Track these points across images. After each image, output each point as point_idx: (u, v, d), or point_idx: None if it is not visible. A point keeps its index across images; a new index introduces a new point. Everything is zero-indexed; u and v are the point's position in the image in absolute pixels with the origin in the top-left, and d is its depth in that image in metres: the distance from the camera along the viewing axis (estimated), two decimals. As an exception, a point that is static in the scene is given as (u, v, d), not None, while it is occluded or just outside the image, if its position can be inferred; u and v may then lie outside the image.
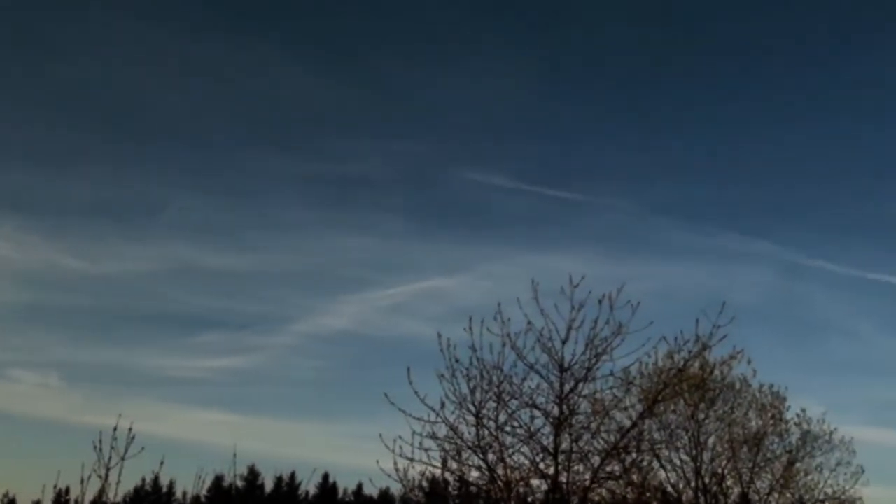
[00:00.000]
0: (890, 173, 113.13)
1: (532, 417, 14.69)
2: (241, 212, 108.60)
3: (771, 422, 29.75)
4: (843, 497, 31.16)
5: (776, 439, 30.17)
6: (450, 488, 17.74)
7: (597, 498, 17.01)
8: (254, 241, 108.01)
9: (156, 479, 64.77)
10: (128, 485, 55.54)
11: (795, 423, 30.30)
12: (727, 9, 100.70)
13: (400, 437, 14.23)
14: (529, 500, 15.61)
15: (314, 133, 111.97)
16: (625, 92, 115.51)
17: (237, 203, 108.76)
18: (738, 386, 28.93)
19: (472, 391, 14.32)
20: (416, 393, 14.22)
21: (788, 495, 30.72)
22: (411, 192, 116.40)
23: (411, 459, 14.38)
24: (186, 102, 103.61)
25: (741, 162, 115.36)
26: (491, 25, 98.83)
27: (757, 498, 30.20)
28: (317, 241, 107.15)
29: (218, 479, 59.94)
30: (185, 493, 73.22)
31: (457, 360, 14.38)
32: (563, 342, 14.50)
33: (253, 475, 74.06)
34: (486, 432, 14.42)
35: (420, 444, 14.37)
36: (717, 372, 26.79)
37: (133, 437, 9.57)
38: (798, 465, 30.35)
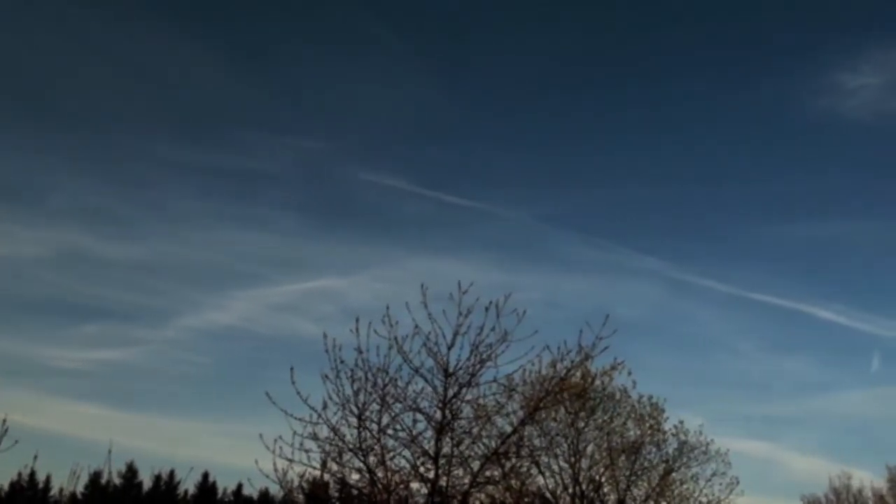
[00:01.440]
0: (773, 200, 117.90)
1: (415, 421, 14.77)
2: (134, 200, 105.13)
3: (649, 432, 30.51)
4: (717, 506, 32.26)
5: (654, 449, 30.98)
6: (330, 490, 17.65)
7: (476, 502, 17.18)
8: (145, 230, 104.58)
9: (32, 475, 62.24)
10: (2, 479, 53.44)
11: (673, 434, 31.16)
12: (625, 18, 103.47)
13: (280, 438, 14.12)
14: (410, 503, 15.67)
15: (214, 125, 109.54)
16: (524, 100, 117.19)
17: (131, 191, 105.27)
18: (618, 396, 29.59)
19: (356, 393, 14.30)
20: (298, 393, 14.15)
21: (664, 503, 31.61)
22: (308, 190, 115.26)
23: (290, 460, 14.26)
24: (85, 87, 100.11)
25: (634, 177, 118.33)
26: (396, 29, 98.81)
27: (633, 505, 30.97)
28: (209, 235, 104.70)
29: (96, 476, 58.07)
30: (61, 490, 70.69)
31: (342, 362, 14.34)
32: (450, 347, 14.61)
33: (131, 472, 71.94)
34: (368, 434, 14.41)
35: (301, 445, 14.29)
36: (598, 382, 27.36)
37: (6, 430, 9.25)
38: (674, 474, 31.19)
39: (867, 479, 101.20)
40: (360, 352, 14.30)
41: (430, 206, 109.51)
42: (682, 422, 31.36)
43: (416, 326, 14.43)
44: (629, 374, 28.19)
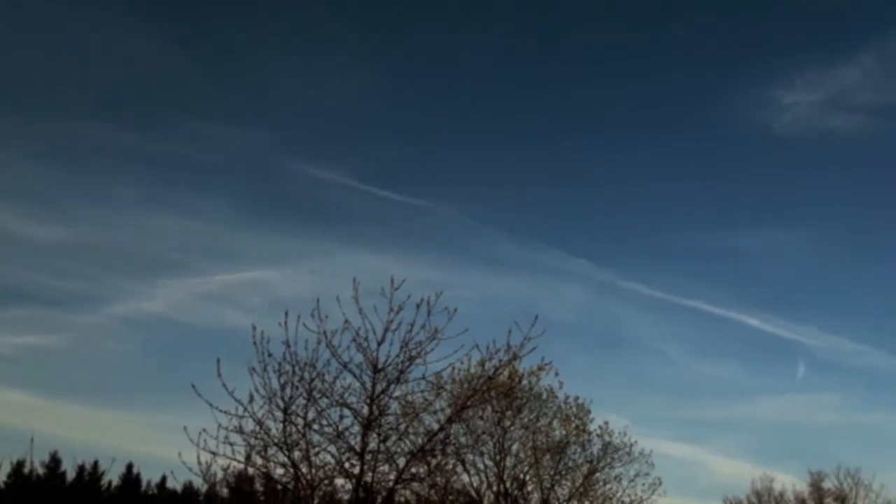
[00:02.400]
0: (706, 208, 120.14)
1: (341, 416, 14.67)
2: (64, 182, 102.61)
3: (574, 432, 30.90)
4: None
5: (578, 449, 31.41)
6: (256, 485, 17.50)
7: (401, 499, 17.19)
8: (74, 213, 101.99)
9: (-48, 465, 60.16)
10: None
11: (598, 435, 31.61)
12: (566, 19, 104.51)
13: (205, 431, 13.93)
14: (335, 499, 15.62)
15: (151, 110, 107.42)
16: (465, 100, 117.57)
17: (61, 173, 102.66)
18: (544, 396, 29.95)
19: (283, 387, 14.15)
20: (224, 386, 13.94)
21: (587, 502, 32.03)
22: (244, 179, 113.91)
23: (215, 454, 14.07)
24: (19, 67, 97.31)
25: (569, 180, 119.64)
26: (345, 24, 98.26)
27: (557, 503, 31.31)
28: (140, 220, 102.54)
29: (19, 465, 56.52)
30: (-18, 480, 68.93)
31: (269, 355, 14.17)
32: (379, 343, 14.56)
33: (55, 462, 70.28)
34: (294, 429, 14.29)
35: (226, 438, 14.09)
36: (525, 381, 27.63)
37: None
38: (598, 474, 31.64)
39: (790, 482, 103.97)
40: (288, 345, 14.16)
41: (366, 201, 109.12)
42: (607, 423, 31.83)
43: (347, 321, 14.36)
44: (556, 374, 28.55)
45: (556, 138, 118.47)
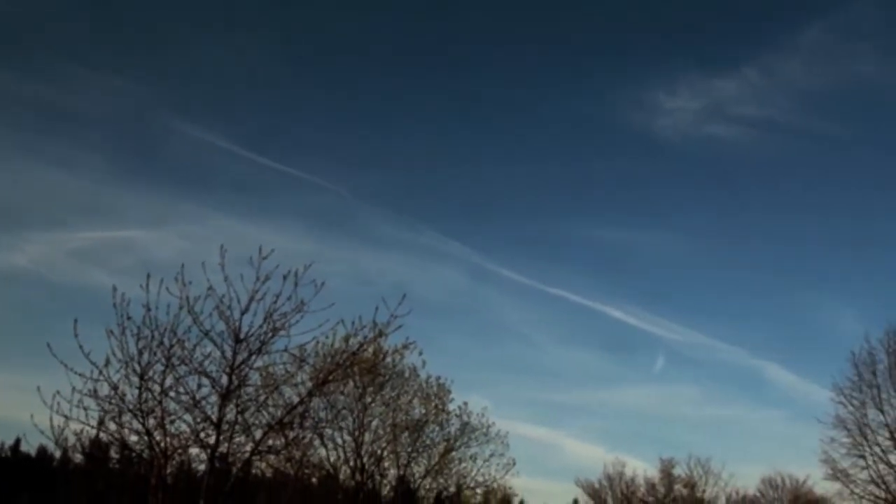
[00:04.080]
0: (579, 203, 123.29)
1: (199, 385, 14.35)
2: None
3: (434, 411, 31.35)
4: (493, 485, 33.62)
5: (437, 428, 31.94)
6: (111, 452, 16.97)
7: (257, 471, 17.02)
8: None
9: None
10: None
11: (457, 415, 32.22)
12: (456, 4, 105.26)
13: (59, 393, 13.41)
14: (190, 469, 15.33)
15: (33, 50, 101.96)
16: (355, 81, 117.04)
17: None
18: (407, 374, 30.24)
19: (141, 351, 13.71)
20: (80, 347, 13.42)
21: (442, 480, 32.61)
22: (124, 134, 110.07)
23: (67, 417, 13.57)
24: None
25: (452, 165, 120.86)
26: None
27: (412, 481, 31.70)
28: (8, 169, 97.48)
29: None
30: None
31: (129, 318, 13.73)
32: (243, 312, 14.30)
33: None
34: (150, 396, 13.89)
35: (80, 402, 13.62)
36: (389, 359, 27.70)
37: None
38: (454, 453, 32.27)
39: (641, 467, 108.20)
40: (149, 309, 13.75)
41: (246, 167, 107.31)
42: (466, 403, 32.45)
43: (210, 288, 14.04)
44: (420, 353, 28.81)
45: (440, 123, 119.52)
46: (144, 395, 13.87)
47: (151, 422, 14.07)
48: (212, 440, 14.42)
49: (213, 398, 14.45)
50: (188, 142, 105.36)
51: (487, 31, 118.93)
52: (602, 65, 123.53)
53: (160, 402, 14.04)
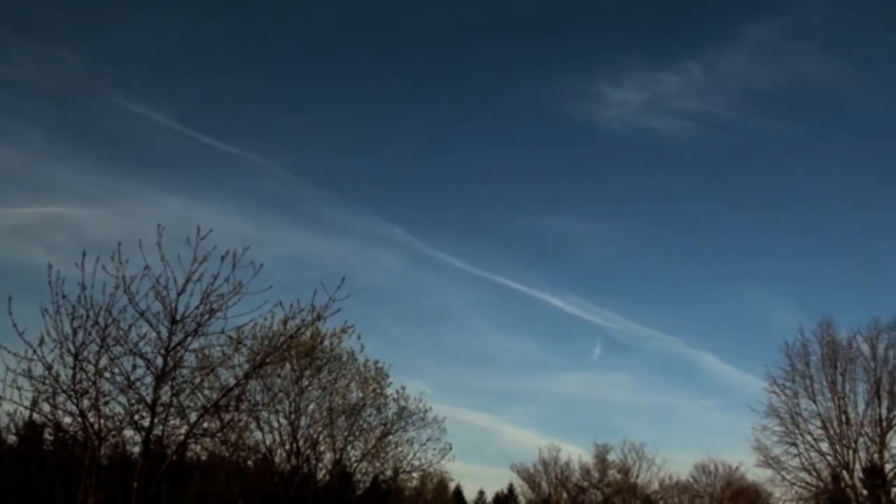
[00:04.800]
0: (522, 191, 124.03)
1: (134, 366, 14.18)
2: None
3: (371, 395, 31.47)
4: (429, 469, 33.84)
5: (374, 412, 32.09)
6: (45, 434, 16.73)
7: (192, 454, 16.92)
8: None
9: None
10: None
11: (394, 399, 32.36)
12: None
13: (-10, 373, 13.18)
14: (125, 451, 15.18)
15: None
16: (299, 58, 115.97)
17: None
18: (345, 358, 30.32)
19: (76, 331, 13.53)
20: (15, 326, 13.18)
21: (378, 464, 32.74)
22: (63, 106, 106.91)
23: (0, 398, 13.37)
24: None
25: (395, 151, 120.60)
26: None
27: (348, 465, 31.76)
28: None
29: None
30: None
31: (64, 296, 13.53)
32: (180, 293, 14.14)
33: None
34: (84, 376, 13.72)
35: (13, 381, 13.45)
36: (327, 342, 27.77)
37: None
38: (391, 437, 32.40)
39: (576, 453, 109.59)
40: (84, 288, 13.56)
41: (186, 145, 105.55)
42: (404, 388, 32.59)
43: (147, 268, 13.86)
44: (359, 338, 28.87)
45: (384, 108, 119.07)
46: (79, 376, 13.71)
47: (86, 403, 13.92)
48: (146, 422, 14.29)
49: (148, 380, 14.31)
50: (128, 117, 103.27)
51: (434, 18, 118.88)
52: (548, 55, 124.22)
53: (94, 383, 13.88)
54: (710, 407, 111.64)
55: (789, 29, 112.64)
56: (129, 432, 15.08)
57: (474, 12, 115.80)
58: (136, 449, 15.12)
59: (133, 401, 14.32)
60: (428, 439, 32.91)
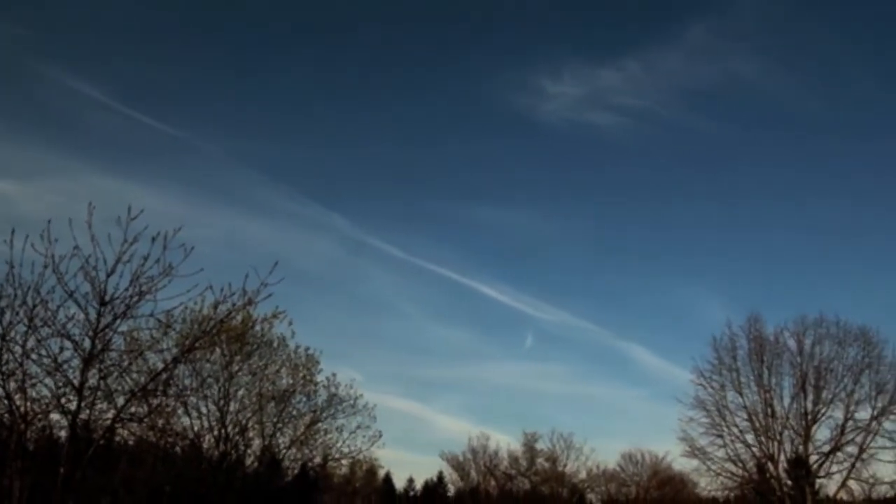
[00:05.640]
0: (460, 182, 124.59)
1: (62, 348, 13.94)
2: None
3: (301, 382, 31.45)
4: (359, 457, 33.95)
5: (304, 398, 32.09)
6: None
7: (120, 439, 16.78)
8: None
9: None
10: None
11: (324, 386, 32.36)
12: None
13: (-89, 354, 12.93)
14: (52, 435, 15.00)
15: None
16: (241, 43, 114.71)
17: None
18: (275, 344, 30.24)
19: (2, 311, 13.37)
20: (-62, 306, 12.95)
21: (307, 451, 32.75)
22: None
23: (-80, 380, 13.12)
24: None
25: (333, 137, 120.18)
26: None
27: (277, 451, 31.72)
28: None
29: None
30: None
31: (-9, 275, 13.31)
32: (109, 274, 13.90)
33: None
34: (11, 357, 13.55)
35: (-63, 364, 13.18)
36: (258, 328, 27.68)
37: None
38: (320, 424, 32.42)
39: (505, 441, 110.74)
40: (12, 266, 13.35)
41: (124, 124, 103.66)
42: (334, 374, 32.65)
43: (76, 247, 13.63)
44: (290, 323, 28.86)
45: (325, 95, 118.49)
46: (5, 357, 13.55)
47: (12, 385, 13.74)
48: (73, 406, 14.11)
49: (76, 362, 14.10)
50: (62, 91, 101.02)
51: (375, 8, 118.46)
52: (489, 48, 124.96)
53: (21, 365, 13.69)
54: (638, 397, 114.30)
55: (725, 29, 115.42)
56: (55, 416, 14.88)
57: (417, 2, 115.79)
58: (63, 433, 14.91)
59: (60, 384, 14.13)
60: (358, 427, 33.04)
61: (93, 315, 14.04)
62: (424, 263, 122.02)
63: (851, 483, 45.47)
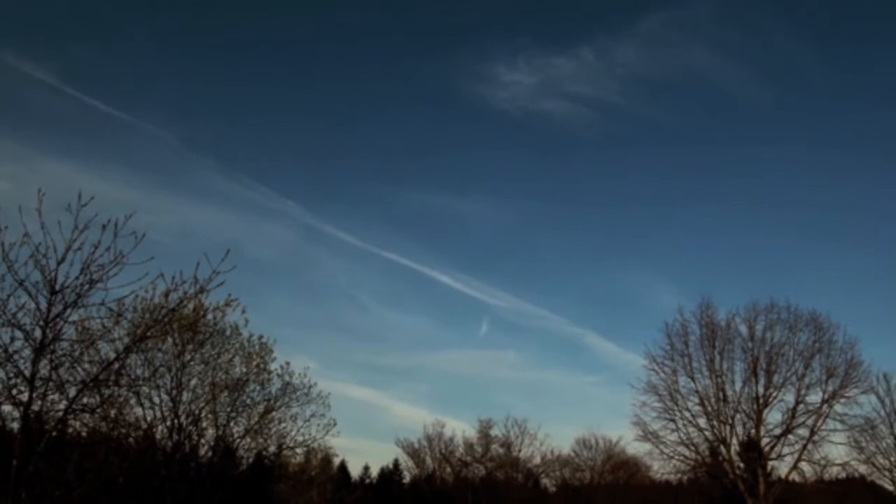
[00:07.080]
0: (413, 169, 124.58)
1: (13, 339, 13.83)
2: None
3: (255, 370, 31.30)
4: (314, 445, 33.92)
5: (258, 387, 31.92)
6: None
7: (72, 430, 16.63)
8: None
9: None
10: None
11: (278, 375, 32.24)
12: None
13: None
14: (4, 428, 14.82)
15: None
16: (194, 26, 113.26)
17: None
18: (228, 332, 30.06)
19: (-49, 302, 13.15)
20: None
21: (262, 440, 32.62)
22: None
23: None
24: None
25: (285, 120, 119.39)
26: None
27: (231, 441, 31.56)
28: None
29: None
30: None
31: (-62, 262, 13.09)
32: (59, 262, 13.79)
33: None
34: (-40, 349, 13.35)
35: None
36: (210, 316, 27.49)
37: None
38: (274, 413, 32.30)
39: (460, 428, 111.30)
40: (-40, 255, 13.15)
41: (71, 106, 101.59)
42: (288, 363, 32.53)
43: (26, 234, 13.48)
44: (243, 311, 28.69)
45: (280, 80, 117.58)
46: (-45, 349, 13.33)
47: (-37, 377, 13.55)
48: (25, 397, 13.99)
49: (27, 352, 14.00)
50: (9, 73, 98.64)
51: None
52: (444, 35, 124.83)
53: (-29, 356, 13.51)
54: (592, 383, 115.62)
55: (679, 21, 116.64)
56: (6, 407, 14.72)
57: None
58: (16, 425, 14.71)
59: (11, 374, 14.02)
60: (312, 415, 33.00)
61: (43, 304, 13.96)
62: (379, 251, 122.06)
63: (803, 465, 46.61)
